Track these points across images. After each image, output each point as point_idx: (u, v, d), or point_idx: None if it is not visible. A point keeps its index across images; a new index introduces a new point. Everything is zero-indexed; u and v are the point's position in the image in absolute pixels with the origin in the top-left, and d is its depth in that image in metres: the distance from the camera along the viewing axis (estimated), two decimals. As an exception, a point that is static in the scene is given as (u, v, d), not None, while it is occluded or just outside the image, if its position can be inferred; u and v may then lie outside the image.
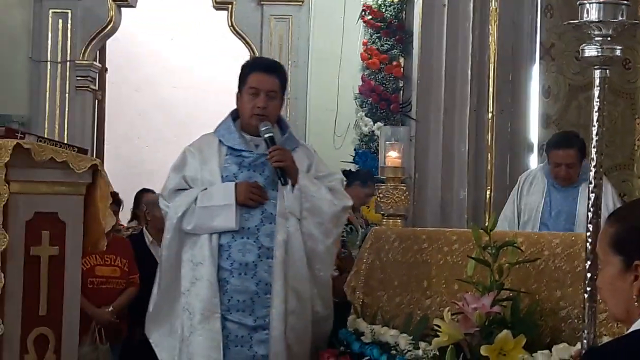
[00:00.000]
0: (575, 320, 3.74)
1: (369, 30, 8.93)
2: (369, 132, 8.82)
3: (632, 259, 2.09)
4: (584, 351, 2.28)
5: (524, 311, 3.84)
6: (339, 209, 4.67)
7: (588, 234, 2.26)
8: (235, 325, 4.50)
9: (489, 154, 8.18)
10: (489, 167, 8.17)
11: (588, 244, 2.26)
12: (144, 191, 7.92)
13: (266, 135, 4.54)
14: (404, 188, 4.76)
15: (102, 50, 9.88)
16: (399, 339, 4.20)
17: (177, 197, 4.63)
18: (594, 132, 2.25)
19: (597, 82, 2.24)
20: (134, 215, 8.02)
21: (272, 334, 4.48)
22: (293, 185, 4.54)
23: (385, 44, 8.85)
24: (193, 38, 11.50)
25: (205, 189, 4.58)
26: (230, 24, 9.37)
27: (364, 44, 8.93)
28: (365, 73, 8.90)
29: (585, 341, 2.29)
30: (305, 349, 4.66)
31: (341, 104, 9.10)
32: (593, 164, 2.27)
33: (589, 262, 2.26)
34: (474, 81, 8.22)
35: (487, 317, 3.79)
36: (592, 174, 2.27)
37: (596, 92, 2.22)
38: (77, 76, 9.30)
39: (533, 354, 3.67)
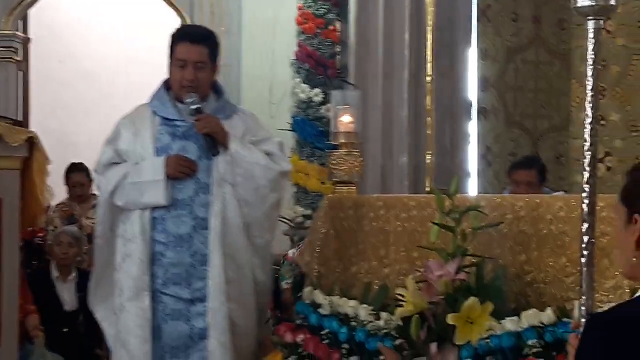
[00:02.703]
0: (541, 285, 3.64)
1: (304, -7, 8.73)
2: (307, 99, 8.64)
3: (633, 211, 2.06)
4: (584, 319, 2.15)
5: (488, 277, 3.73)
6: (276, 173, 4.56)
7: (584, 194, 2.14)
8: (172, 299, 4.42)
9: (429, 118, 8.06)
10: (429, 132, 8.05)
11: (585, 205, 2.13)
12: (73, 169, 7.69)
13: (192, 107, 4.44)
14: (358, 154, 4.61)
15: (25, 20, 9.55)
16: (359, 309, 4.06)
17: (108, 171, 4.51)
18: (589, 87, 2.11)
19: (590, 34, 2.10)
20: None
21: (210, 305, 4.40)
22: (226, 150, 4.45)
23: (321, 8, 8.65)
24: (119, 7, 11.18)
25: (137, 163, 4.46)
26: (159, -10, 9.12)
27: (299, 8, 8.71)
28: (301, 38, 8.69)
29: (583, 308, 2.17)
30: (250, 320, 4.56)
31: (276, 70, 8.90)
32: (588, 120, 2.14)
33: (586, 225, 2.13)
34: (412, 45, 8.09)
35: (452, 284, 3.66)
36: (587, 130, 2.14)
37: (590, 45, 2.08)
38: (0, 47, 8.99)
39: (501, 321, 3.56)
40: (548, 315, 3.45)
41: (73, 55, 11.31)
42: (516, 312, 3.58)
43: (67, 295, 6.53)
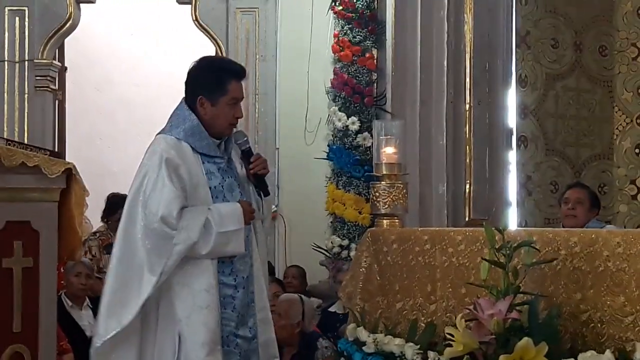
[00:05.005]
0: (599, 325, 3.48)
1: (340, 21, 8.65)
2: (343, 127, 8.54)
3: None
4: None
5: (541, 316, 3.57)
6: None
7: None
8: (242, 340, 4.36)
9: (467, 147, 7.94)
10: (467, 160, 7.93)
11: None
12: (117, 196, 7.61)
13: (245, 147, 4.42)
14: (401, 186, 4.49)
15: (61, 49, 9.55)
16: (405, 348, 3.92)
17: (184, 219, 4.20)
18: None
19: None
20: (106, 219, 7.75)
21: (260, 341, 4.40)
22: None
23: (358, 35, 8.58)
24: (155, 34, 11.17)
25: (209, 208, 4.27)
26: (194, 19, 9.09)
27: (335, 35, 8.65)
28: (337, 66, 8.62)
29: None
30: None
31: (312, 98, 8.83)
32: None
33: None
34: (450, 72, 7.99)
35: (504, 323, 3.51)
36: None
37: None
38: (36, 76, 9.00)
39: (557, 363, 3.40)
40: (607, 357, 3.29)
41: (110, 83, 11.32)
42: (572, 354, 3.42)
43: (86, 321, 6.64)
